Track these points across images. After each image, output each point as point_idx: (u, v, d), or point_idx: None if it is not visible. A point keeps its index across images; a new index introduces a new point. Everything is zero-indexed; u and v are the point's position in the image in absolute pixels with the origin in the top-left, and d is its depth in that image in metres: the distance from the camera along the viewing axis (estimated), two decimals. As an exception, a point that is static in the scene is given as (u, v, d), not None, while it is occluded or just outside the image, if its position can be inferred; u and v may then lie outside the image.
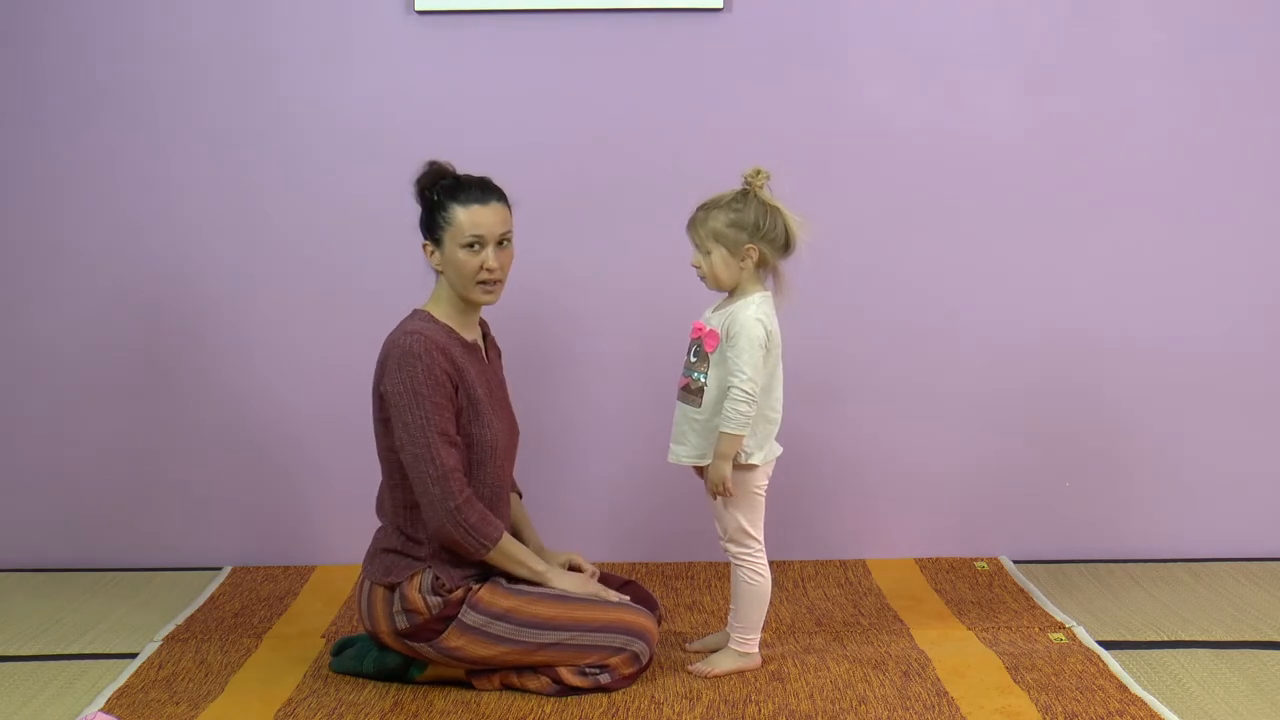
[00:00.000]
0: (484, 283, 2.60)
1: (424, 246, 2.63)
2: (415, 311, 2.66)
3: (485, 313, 2.76)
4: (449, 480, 2.51)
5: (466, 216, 2.57)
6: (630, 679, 2.63)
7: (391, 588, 2.58)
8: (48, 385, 3.43)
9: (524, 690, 2.60)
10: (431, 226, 2.61)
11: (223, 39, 3.33)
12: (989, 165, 3.38)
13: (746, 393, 2.55)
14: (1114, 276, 3.42)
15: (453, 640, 2.55)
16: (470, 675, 2.62)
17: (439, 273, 2.64)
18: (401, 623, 2.57)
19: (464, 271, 2.59)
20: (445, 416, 2.54)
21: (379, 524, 2.71)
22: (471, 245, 2.57)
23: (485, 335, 2.78)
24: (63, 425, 3.44)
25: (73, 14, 3.32)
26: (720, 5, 3.30)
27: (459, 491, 2.52)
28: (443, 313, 2.64)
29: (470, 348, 2.65)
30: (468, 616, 2.55)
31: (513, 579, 2.63)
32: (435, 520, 2.53)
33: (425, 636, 2.56)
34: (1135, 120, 3.37)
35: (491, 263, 2.59)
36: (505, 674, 2.61)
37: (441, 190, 2.60)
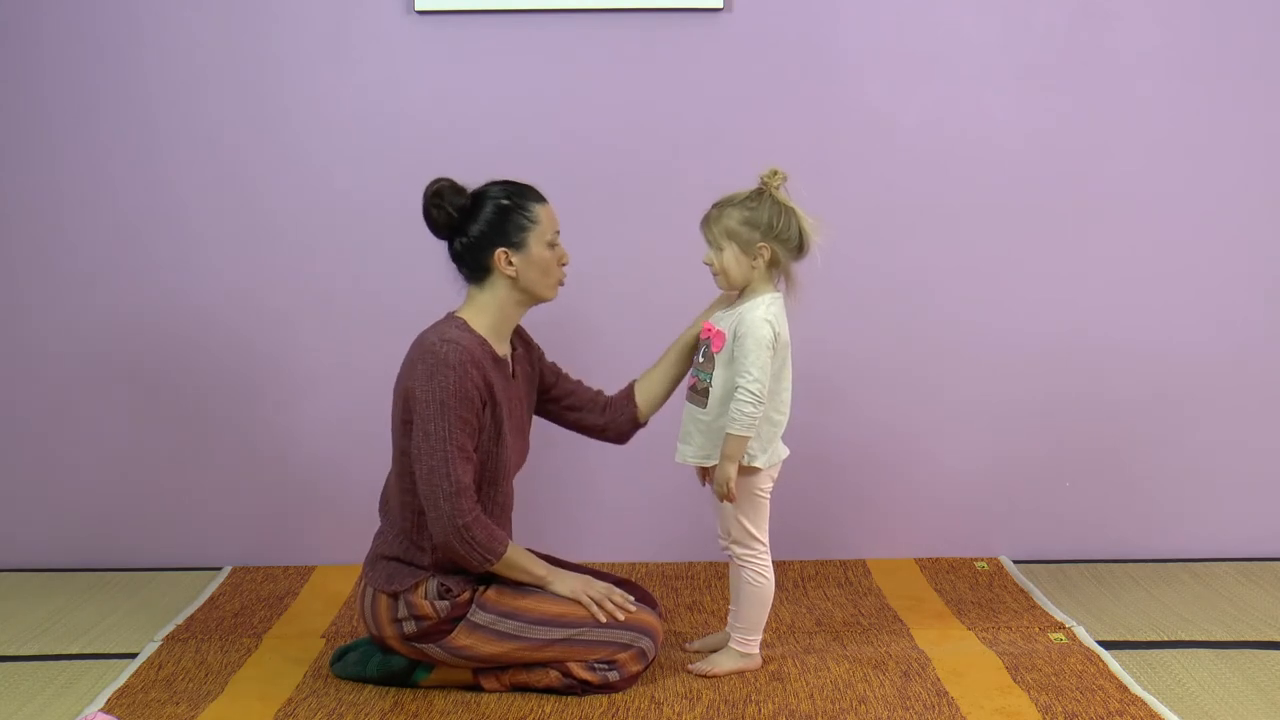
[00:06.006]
0: (558, 279, 2.65)
1: (500, 256, 2.55)
2: (451, 317, 2.61)
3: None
4: (461, 498, 2.48)
5: (546, 214, 2.61)
6: (636, 677, 2.63)
7: (395, 595, 2.57)
8: (48, 386, 3.43)
9: (533, 688, 2.59)
10: (510, 231, 2.56)
11: (223, 39, 3.33)
12: (989, 165, 3.37)
13: (752, 394, 2.55)
14: (1114, 276, 3.42)
15: (461, 639, 2.55)
16: (478, 676, 2.61)
17: (510, 279, 2.57)
18: (409, 628, 2.56)
19: (549, 268, 2.61)
20: (466, 432, 2.50)
21: (379, 523, 2.69)
22: (553, 242, 2.60)
23: (515, 350, 2.71)
24: (62, 425, 3.44)
25: (72, 14, 3.31)
26: (720, 5, 3.30)
27: (469, 509, 2.49)
28: (482, 324, 2.60)
29: (500, 363, 2.61)
30: (476, 615, 2.55)
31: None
32: (441, 534, 2.50)
33: (434, 637, 2.55)
34: (1136, 120, 3.37)
35: (567, 256, 2.64)
36: (514, 672, 2.60)
37: (514, 194, 2.59)
